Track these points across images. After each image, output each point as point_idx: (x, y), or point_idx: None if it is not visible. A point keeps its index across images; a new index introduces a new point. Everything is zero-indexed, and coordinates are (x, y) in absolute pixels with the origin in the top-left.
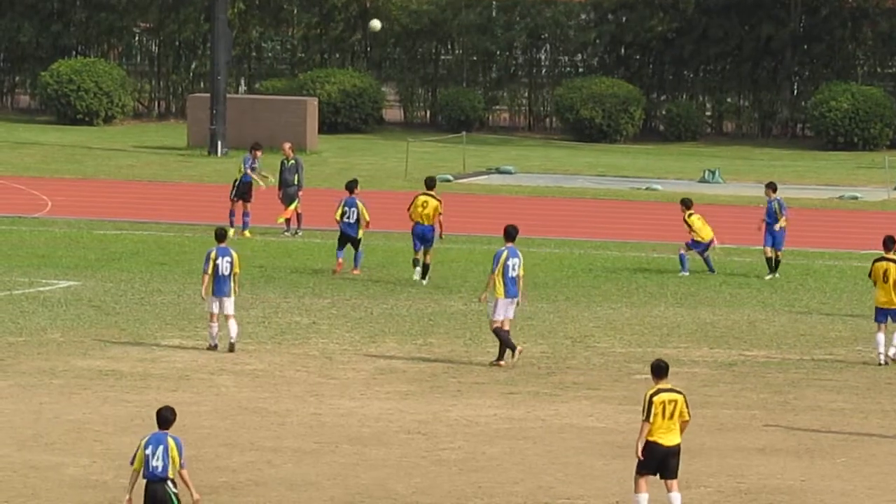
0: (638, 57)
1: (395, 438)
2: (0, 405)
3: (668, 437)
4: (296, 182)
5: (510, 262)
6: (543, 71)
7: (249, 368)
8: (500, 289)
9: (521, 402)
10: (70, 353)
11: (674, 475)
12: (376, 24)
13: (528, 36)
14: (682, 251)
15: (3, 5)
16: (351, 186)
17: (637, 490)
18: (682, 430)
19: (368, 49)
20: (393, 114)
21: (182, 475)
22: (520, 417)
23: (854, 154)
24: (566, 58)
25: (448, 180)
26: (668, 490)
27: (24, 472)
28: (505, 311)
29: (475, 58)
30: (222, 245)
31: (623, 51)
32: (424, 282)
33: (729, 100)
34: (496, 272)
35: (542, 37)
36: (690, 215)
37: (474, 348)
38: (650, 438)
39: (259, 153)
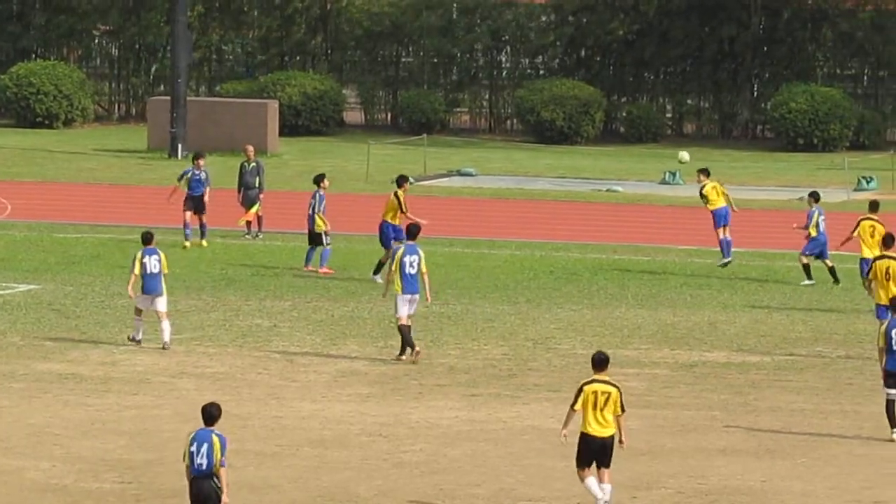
0: (598, 59)
1: (356, 441)
2: None
3: (601, 429)
4: (256, 185)
5: (406, 259)
6: (504, 73)
7: (210, 371)
8: (398, 285)
9: (483, 404)
10: (30, 356)
11: (607, 465)
12: (685, 156)
13: (489, 38)
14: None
15: None
16: (315, 180)
17: (582, 479)
18: (619, 426)
19: (329, 52)
20: (354, 116)
21: (220, 473)
22: (481, 419)
23: (814, 155)
24: (527, 60)
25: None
26: (600, 480)
27: None
28: (406, 308)
29: (436, 60)
30: (149, 246)
31: (584, 53)
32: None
33: (689, 101)
34: (393, 269)
35: (503, 39)
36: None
37: (435, 350)
38: (584, 430)
39: (202, 162)
